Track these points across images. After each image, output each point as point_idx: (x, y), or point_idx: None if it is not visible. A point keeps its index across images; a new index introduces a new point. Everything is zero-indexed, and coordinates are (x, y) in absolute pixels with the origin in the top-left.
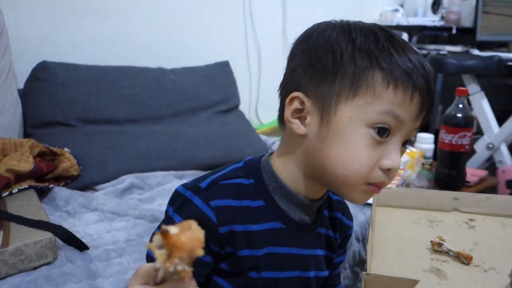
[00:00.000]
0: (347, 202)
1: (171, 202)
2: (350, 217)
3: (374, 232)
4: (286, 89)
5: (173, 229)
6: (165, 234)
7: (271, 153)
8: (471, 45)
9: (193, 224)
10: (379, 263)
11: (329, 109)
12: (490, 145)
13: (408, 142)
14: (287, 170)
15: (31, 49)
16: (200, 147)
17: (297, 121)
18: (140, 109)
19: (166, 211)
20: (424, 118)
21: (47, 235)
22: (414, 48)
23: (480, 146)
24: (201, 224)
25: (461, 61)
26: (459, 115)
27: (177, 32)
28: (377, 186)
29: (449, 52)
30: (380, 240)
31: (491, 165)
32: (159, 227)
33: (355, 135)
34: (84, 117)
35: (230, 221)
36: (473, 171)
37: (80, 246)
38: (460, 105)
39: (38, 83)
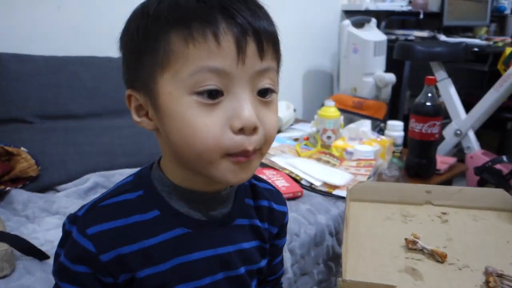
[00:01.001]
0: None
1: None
2: (281, 203)
3: (348, 230)
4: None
5: None
6: None
7: (159, 159)
8: (437, 30)
9: None
10: (354, 264)
11: (153, 93)
12: (458, 132)
13: (270, 91)
14: (171, 170)
15: None
16: None
17: (144, 119)
18: (102, 103)
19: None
20: (262, 52)
21: (3, 247)
22: None
23: (448, 133)
24: (81, 259)
25: (429, 48)
26: (428, 103)
27: None
28: (242, 156)
29: (417, 37)
30: (354, 239)
31: (459, 151)
32: (53, 263)
33: (183, 109)
34: (42, 113)
35: (114, 245)
36: (442, 159)
37: (40, 255)
38: (429, 94)
39: None
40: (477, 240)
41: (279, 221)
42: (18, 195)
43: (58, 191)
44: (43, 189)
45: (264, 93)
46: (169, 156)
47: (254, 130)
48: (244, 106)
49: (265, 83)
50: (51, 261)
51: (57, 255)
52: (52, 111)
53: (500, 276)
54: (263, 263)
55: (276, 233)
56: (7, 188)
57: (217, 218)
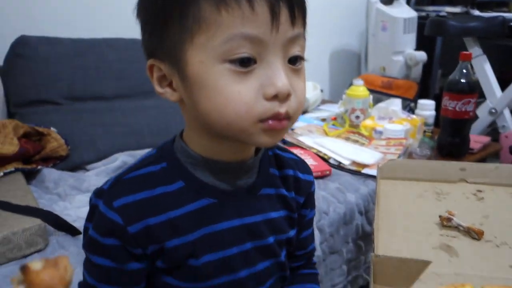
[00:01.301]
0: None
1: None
2: (306, 172)
3: (380, 208)
4: (146, 58)
5: (36, 265)
6: (25, 270)
7: (182, 131)
8: (471, 5)
9: (61, 261)
10: (386, 241)
11: (181, 63)
12: (493, 110)
13: (299, 58)
14: (195, 141)
15: (8, 23)
16: None
17: (168, 89)
18: (129, 84)
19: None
20: (294, 17)
21: (36, 222)
22: None
23: (482, 111)
24: (110, 231)
25: (464, 23)
26: (463, 80)
27: None
28: (275, 120)
29: (449, 13)
30: (386, 216)
31: (493, 131)
32: (83, 238)
33: (215, 78)
34: (70, 95)
35: (141, 217)
36: (476, 138)
37: (72, 231)
38: (464, 70)
39: (19, 60)
40: None
41: (305, 190)
42: (49, 173)
43: (87, 170)
44: (73, 168)
45: (294, 61)
46: (195, 127)
47: (287, 96)
48: (278, 74)
49: (296, 51)
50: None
51: (85, 229)
52: (80, 92)
53: None
54: (292, 233)
55: (303, 203)
56: (39, 167)
57: (243, 188)
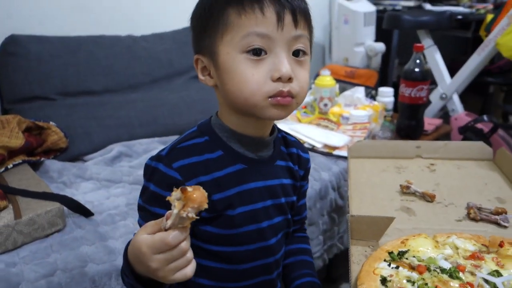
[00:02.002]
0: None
1: (144, 175)
2: (305, 151)
3: (351, 181)
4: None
5: (189, 188)
6: (184, 190)
7: (217, 111)
8: (423, 0)
9: (200, 187)
10: (358, 206)
11: (214, 55)
12: (444, 95)
13: (301, 52)
14: (229, 119)
15: None
16: (181, 112)
17: (207, 77)
18: (116, 79)
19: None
20: (296, 22)
21: (55, 205)
22: None
23: (434, 97)
24: (171, 185)
25: (416, 17)
26: (417, 69)
27: None
28: (280, 96)
29: (404, 6)
30: (357, 188)
31: (444, 114)
32: (141, 197)
33: (236, 64)
34: (63, 90)
35: (195, 175)
36: (429, 120)
37: (86, 212)
38: (417, 60)
39: (10, 58)
40: (460, 184)
41: (305, 165)
42: (52, 164)
43: (85, 161)
44: (71, 159)
45: (297, 54)
46: (226, 106)
47: (289, 80)
48: (282, 62)
49: (298, 46)
50: (95, 217)
51: (145, 188)
52: (72, 88)
53: (479, 208)
54: (295, 198)
55: (302, 175)
56: (42, 159)
57: (264, 158)
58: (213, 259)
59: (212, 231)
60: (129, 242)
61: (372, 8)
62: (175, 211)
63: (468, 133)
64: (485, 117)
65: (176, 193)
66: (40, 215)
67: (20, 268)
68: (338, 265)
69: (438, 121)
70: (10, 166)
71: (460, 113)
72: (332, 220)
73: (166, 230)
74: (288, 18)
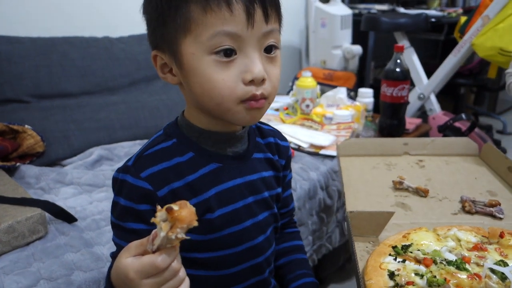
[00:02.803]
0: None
1: (112, 189)
2: (283, 139)
3: (343, 179)
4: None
5: (175, 206)
6: (169, 210)
7: (183, 111)
8: (396, 3)
9: (187, 203)
10: (354, 203)
11: (177, 54)
12: (421, 95)
13: (274, 47)
14: (195, 117)
15: None
16: (162, 115)
17: (168, 75)
18: (94, 81)
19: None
20: (267, 16)
21: (37, 211)
22: None
23: (412, 97)
24: (143, 197)
25: (394, 20)
26: (398, 69)
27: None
28: (253, 100)
29: (378, 10)
30: (350, 184)
31: (422, 114)
32: (112, 214)
33: (204, 67)
34: (37, 92)
35: (167, 182)
36: (409, 120)
37: (69, 218)
38: (398, 60)
39: None
40: (451, 179)
41: (285, 154)
42: (29, 170)
43: (63, 166)
44: (49, 164)
45: (269, 50)
46: (193, 106)
47: (262, 81)
48: (254, 62)
49: (271, 41)
50: (79, 223)
51: (115, 203)
52: (46, 90)
53: (473, 201)
54: (279, 190)
55: (284, 164)
56: (17, 164)
57: (239, 153)
58: (200, 268)
59: (194, 238)
60: (111, 266)
61: (348, 11)
62: (162, 233)
63: (447, 131)
64: (463, 116)
65: (161, 214)
66: (20, 222)
67: (0, 279)
68: (326, 265)
69: (418, 120)
70: None
71: (437, 113)
72: (321, 220)
73: (153, 252)
74: (258, 13)
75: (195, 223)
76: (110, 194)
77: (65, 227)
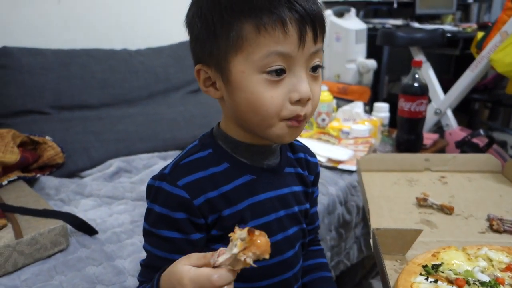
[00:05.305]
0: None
1: (147, 196)
2: (313, 156)
3: (366, 195)
4: (194, 63)
5: (256, 231)
6: (251, 232)
7: (219, 123)
8: (410, 18)
9: (265, 234)
10: (377, 220)
11: (225, 70)
12: (438, 111)
13: (319, 67)
14: (233, 129)
15: None
16: (180, 127)
17: (211, 89)
18: (113, 93)
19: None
20: (316, 37)
21: (59, 223)
22: None
23: (428, 112)
24: (180, 205)
25: (410, 34)
26: (416, 84)
27: (136, 12)
28: (295, 120)
29: (392, 25)
30: (372, 201)
31: (438, 129)
32: (146, 221)
33: (253, 85)
34: (57, 104)
35: (203, 191)
36: (426, 135)
37: (90, 230)
38: (416, 75)
39: (2, 70)
40: (475, 196)
41: (314, 170)
42: (49, 181)
43: (82, 177)
44: (68, 175)
45: (315, 69)
46: (232, 120)
47: (307, 101)
48: (302, 83)
49: (316, 61)
50: (99, 235)
51: (149, 210)
52: (67, 101)
53: (501, 220)
54: (308, 205)
55: (313, 181)
56: (38, 175)
57: (272, 166)
58: None
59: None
60: (161, 271)
61: (363, 25)
62: (234, 250)
63: (465, 147)
64: (481, 131)
65: (241, 232)
66: (42, 234)
67: None
68: (345, 282)
69: (435, 136)
70: (5, 182)
71: (454, 128)
72: (340, 235)
73: (214, 267)
74: (309, 35)
75: (267, 256)
76: (130, 207)
77: (86, 239)
